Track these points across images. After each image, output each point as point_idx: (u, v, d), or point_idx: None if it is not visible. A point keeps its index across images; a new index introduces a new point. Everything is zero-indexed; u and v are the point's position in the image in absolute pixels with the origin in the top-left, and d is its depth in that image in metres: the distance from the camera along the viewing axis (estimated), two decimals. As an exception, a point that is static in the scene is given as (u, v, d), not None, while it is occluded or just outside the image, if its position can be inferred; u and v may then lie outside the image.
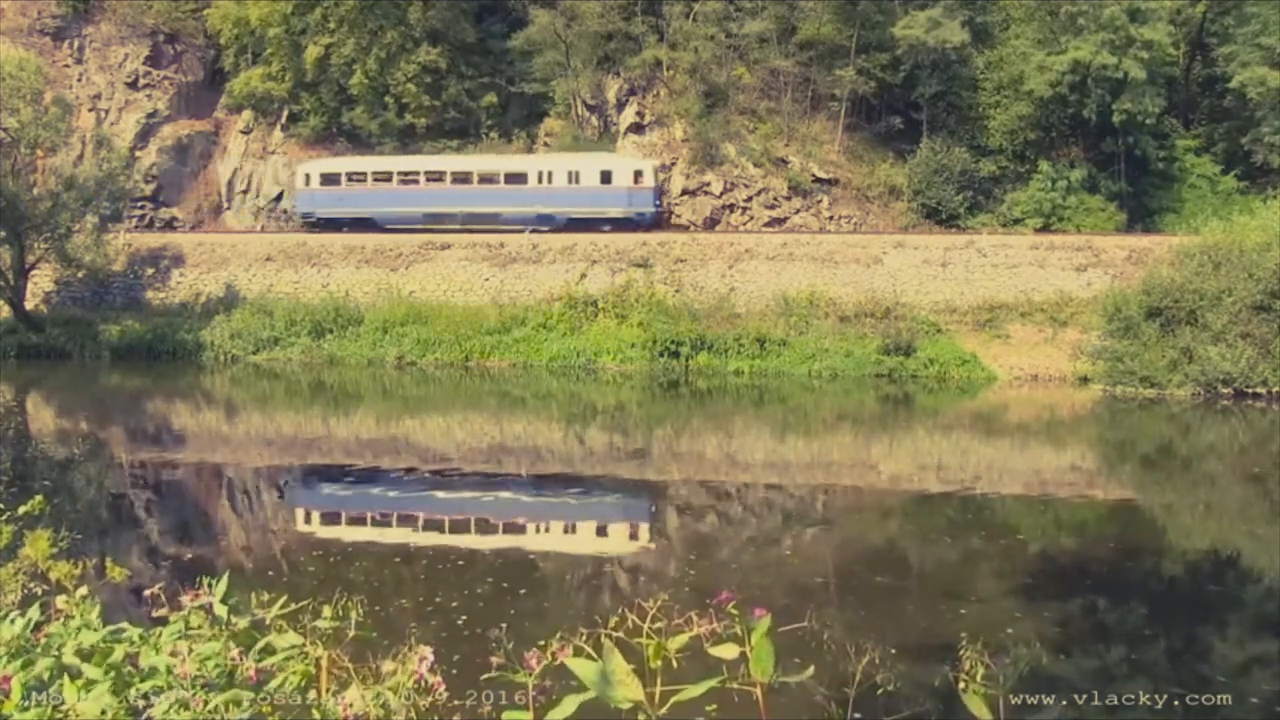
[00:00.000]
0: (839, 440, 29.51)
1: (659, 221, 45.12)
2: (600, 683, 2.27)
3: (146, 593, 3.14)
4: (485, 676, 2.65)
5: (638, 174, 44.11)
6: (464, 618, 12.33)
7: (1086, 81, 43.97)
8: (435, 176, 45.85)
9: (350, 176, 46.71)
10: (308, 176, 47.52)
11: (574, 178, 44.22)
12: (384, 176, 46.37)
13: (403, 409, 34.28)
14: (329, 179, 46.99)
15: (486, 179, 45.34)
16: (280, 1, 50.91)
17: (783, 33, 49.54)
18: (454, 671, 2.52)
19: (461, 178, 45.51)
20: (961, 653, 2.57)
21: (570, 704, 2.42)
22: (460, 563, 15.61)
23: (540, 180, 44.63)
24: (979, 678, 2.46)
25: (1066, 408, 34.01)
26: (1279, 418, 30.94)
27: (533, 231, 43.77)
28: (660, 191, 45.37)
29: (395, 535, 17.96)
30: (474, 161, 46.83)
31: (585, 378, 38.16)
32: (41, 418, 33.03)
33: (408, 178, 46.14)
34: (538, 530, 18.83)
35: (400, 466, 24.38)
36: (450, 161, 47.06)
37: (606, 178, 43.97)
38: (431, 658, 2.70)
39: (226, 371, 40.59)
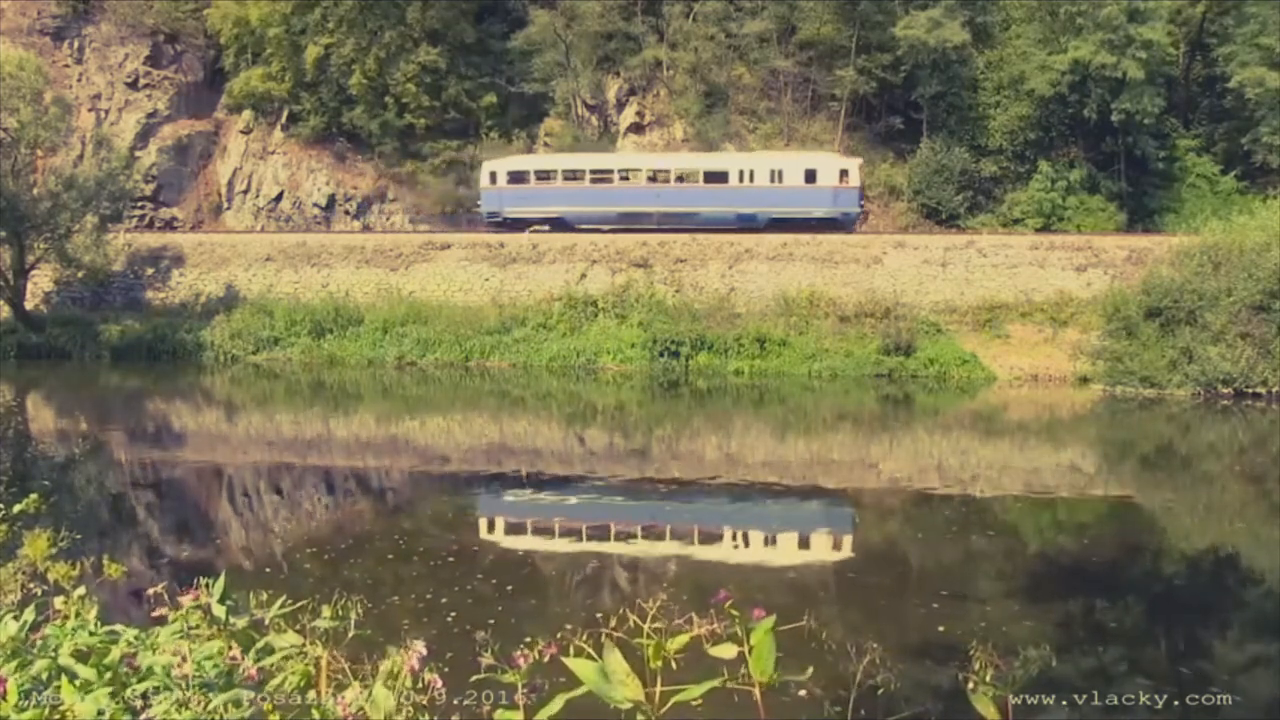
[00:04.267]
0: (839, 440, 29.50)
1: (857, 222, 43.82)
2: (601, 682, 2.26)
3: (148, 592, 3.13)
4: (474, 678, 2.65)
5: (844, 173, 42.15)
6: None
7: (1086, 81, 43.98)
8: (629, 174, 44.20)
9: (539, 174, 44.70)
10: (493, 175, 44.96)
11: (777, 176, 42.49)
12: (574, 174, 44.48)
13: (403, 409, 34.27)
14: (516, 177, 44.78)
15: (684, 177, 43.66)
16: (280, 1, 50.92)
17: (783, 33, 49.55)
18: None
19: (658, 176, 43.78)
20: (971, 653, 2.56)
21: (559, 702, 2.41)
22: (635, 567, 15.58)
23: (741, 179, 42.81)
24: (988, 678, 2.45)
25: (1066, 408, 34.00)
26: (1279, 418, 30.93)
27: (736, 232, 42.43)
28: (863, 191, 43.94)
29: (585, 545, 17.68)
30: (671, 159, 45.18)
31: (585, 378, 38.15)
32: (41, 418, 33.02)
33: (600, 176, 44.40)
34: (734, 541, 18.45)
35: (579, 474, 24.02)
36: (646, 159, 45.40)
37: (811, 176, 42.19)
38: (424, 653, 2.69)
39: (226, 371, 40.58)
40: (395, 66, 50.71)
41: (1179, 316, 34.27)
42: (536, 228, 43.99)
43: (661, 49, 49.87)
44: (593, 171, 44.51)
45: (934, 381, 36.63)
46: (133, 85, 53.72)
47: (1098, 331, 36.54)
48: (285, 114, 53.03)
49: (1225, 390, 32.83)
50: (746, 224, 42.76)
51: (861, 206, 43.67)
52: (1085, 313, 37.91)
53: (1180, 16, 47.09)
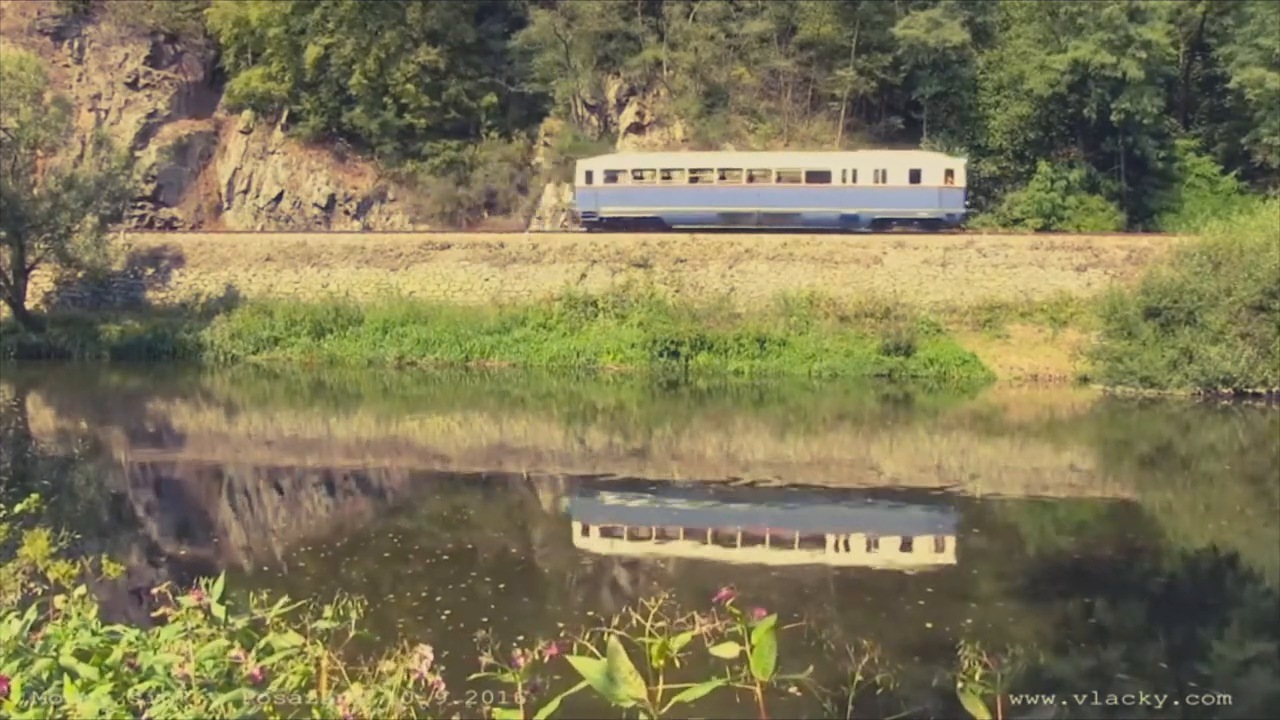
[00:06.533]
0: (839, 440, 29.49)
1: (963, 222, 43.36)
2: (604, 681, 2.26)
3: (154, 590, 3.13)
4: (473, 676, 2.65)
5: (949, 172, 41.68)
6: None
7: (1086, 81, 44.01)
8: (729, 174, 43.60)
9: (635, 173, 44.04)
10: (589, 174, 44.25)
11: (880, 176, 41.97)
12: (672, 173, 43.84)
13: (403, 409, 34.26)
14: (612, 176, 44.03)
15: (786, 177, 42.91)
16: (280, 1, 50.92)
17: (783, 33, 49.59)
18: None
19: (758, 175, 43.06)
20: (960, 652, 2.56)
21: (557, 701, 2.41)
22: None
23: (844, 179, 42.19)
24: (977, 677, 2.45)
25: (1066, 408, 33.99)
26: (1279, 418, 30.93)
27: (837, 232, 41.93)
28: (967, 191, 43.30)
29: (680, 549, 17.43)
30: (772, 158, 44.61)
31: (585, 378, 38.14)
32: (41, 418, 33.01)
33: (698, 174, 43.98)
34: (837, 546, 18.16)
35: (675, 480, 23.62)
36: (746, 158, 44.85)
37: (915, 176, 41.78)
38: (430, 657, 2.69)
39: (226, 371, 40.58)
40: (395, 66, 50.73)
41: (1179, 316, 34.28)
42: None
43: (661, 49, 49.88)
44: (691, 170, 44.04)
45: (934, 381, 36.64)
46: (133, 85, 53.73)
47: (1098, 331, 36.56)
48: (285, 114, 53.05)
49: (1225, 390, 32.83)
50: (849, 225, 42.16)
51: (966, 207, 43.04)
52: (1085, 313, 37.94)
53: (1180, 16, 47.14)
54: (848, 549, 17.99)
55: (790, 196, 42.60)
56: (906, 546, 18.29)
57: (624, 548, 17.71)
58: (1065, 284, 39.30)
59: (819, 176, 42.60)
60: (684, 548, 17.53)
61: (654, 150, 48.22)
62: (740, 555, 17.05)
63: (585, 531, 18.95)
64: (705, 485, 22.80)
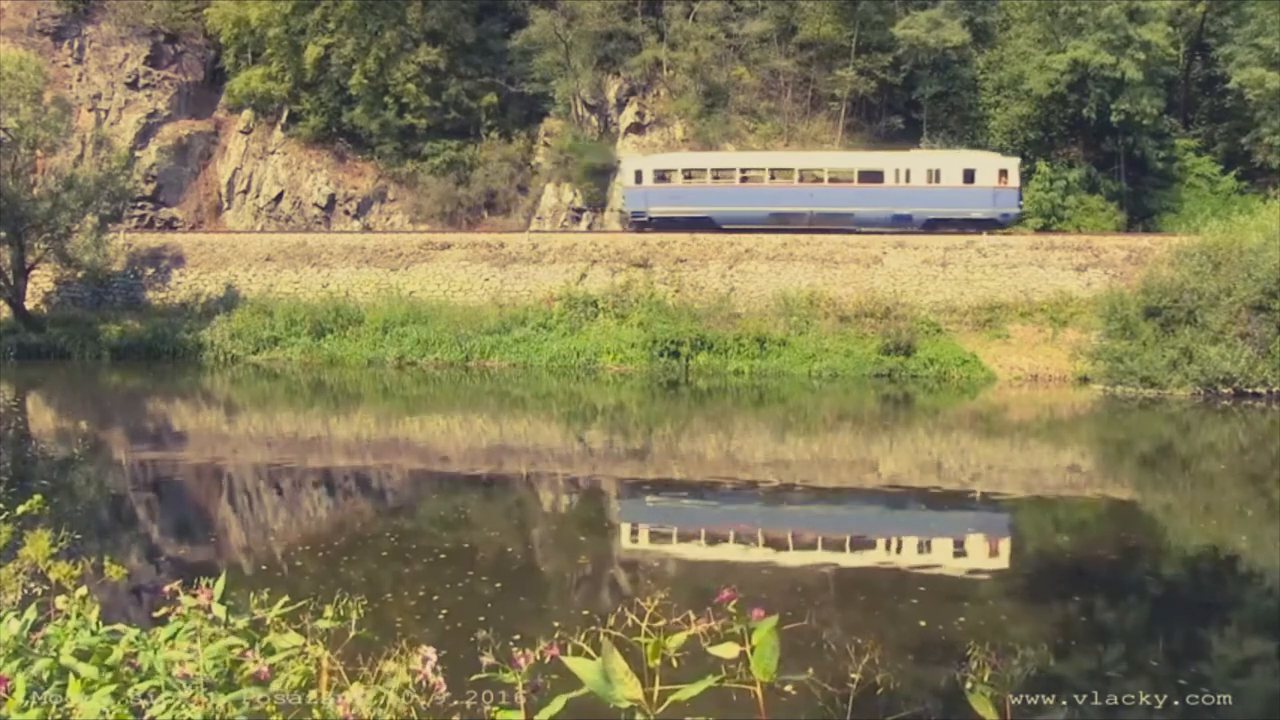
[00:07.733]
0: (839, 440, 29.50)
1: (1018, 222, 43.13)
2: (599, 681, 2.27)
3: (166, 589, 3.12)
4: (475, 677, 2.65)
5: (1003, 172, 41.36)
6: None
7: (1086, 81, 44.00)
8: (781, 174, 43.19)
9: (686, 173, 43.63)
10: (638, 173, 43.91)
11: (934, 176, 41.65)
12: (723, 173, 43.56)
13: (403, 409, 34.27)
14: (662, 175, 43.65)
15: (838, 177, 42.56)
16: (280, 1, 50.88)
17: (783, 33, 49.58)
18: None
19: (811, 175, 42.71)
20: (969, 652, 2.56)
21: (559, 702, 2.41)
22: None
23: (898, 179, 41.88)
24: (985, 678, 2.45)
25: (1066, 408, 34.00)
26: (1279, 418, 30.93)
27: (889, 233, 41.65)
28: (1021, 191, 43.05)
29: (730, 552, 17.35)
30: (825, 158, 44.22)
31: (585, 378, 38.14)
32: (41, 418, 33.02)
33: (750, 174, 43.59)
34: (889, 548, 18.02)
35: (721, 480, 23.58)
36: (798, 158, 44.41)
37: (969, 176, 41.44)
38: (434, 658, 2.69)
39: (226, 371, 40.57)
40: (395, 66, 50.67)
41: (1179, 316, 34.30)
42: None
43: (661, 49, 49.86)
44: (743, 170, 43.75)
45: (934, 381, 36.64)
46: (133, 85, 53.70)
47: (1098, 331, 36.57)
48: (285, 114, 53.01)
49: (1225, 390, 32.84)
50: (901, 224, 41.92)
51: (1020, 207, 42.63)
52: (1085, 313, 37.94)
53: (1180, 16, 47.11)
54: (845, 549, 17.99)
55: (843, 196, 42.20)
56: (906, 547, 18.29)
57: (624, 548, 17.72)
58: (1065, 284, 39.30)
59: (872, 176, 42.23)
60: (685, 548, 17.54)
61: (654, 150, 48.17)
62: (740, 554, 17.06)
63: (586, 531, 18.96)
64: (705, 485, 22.82)
